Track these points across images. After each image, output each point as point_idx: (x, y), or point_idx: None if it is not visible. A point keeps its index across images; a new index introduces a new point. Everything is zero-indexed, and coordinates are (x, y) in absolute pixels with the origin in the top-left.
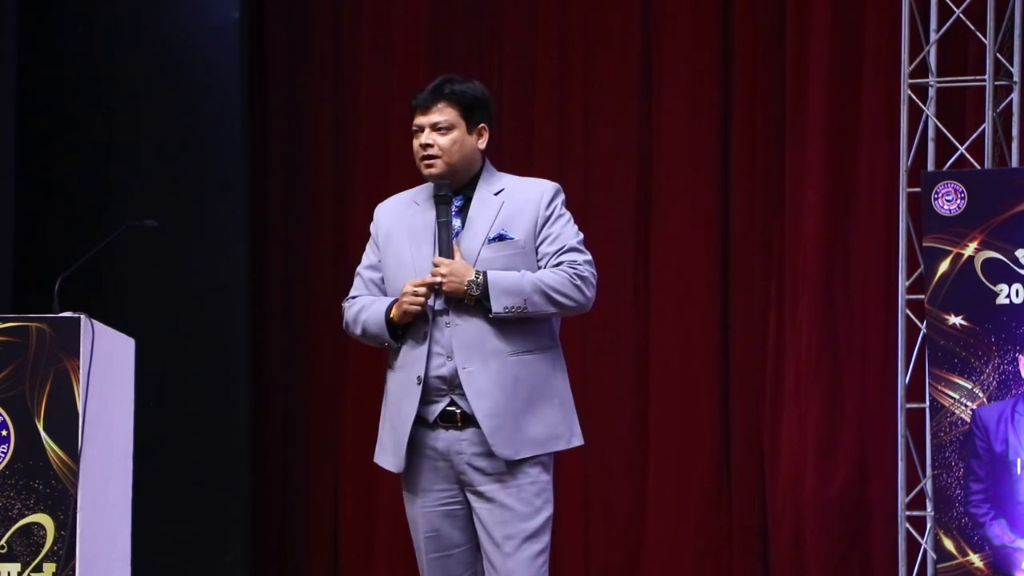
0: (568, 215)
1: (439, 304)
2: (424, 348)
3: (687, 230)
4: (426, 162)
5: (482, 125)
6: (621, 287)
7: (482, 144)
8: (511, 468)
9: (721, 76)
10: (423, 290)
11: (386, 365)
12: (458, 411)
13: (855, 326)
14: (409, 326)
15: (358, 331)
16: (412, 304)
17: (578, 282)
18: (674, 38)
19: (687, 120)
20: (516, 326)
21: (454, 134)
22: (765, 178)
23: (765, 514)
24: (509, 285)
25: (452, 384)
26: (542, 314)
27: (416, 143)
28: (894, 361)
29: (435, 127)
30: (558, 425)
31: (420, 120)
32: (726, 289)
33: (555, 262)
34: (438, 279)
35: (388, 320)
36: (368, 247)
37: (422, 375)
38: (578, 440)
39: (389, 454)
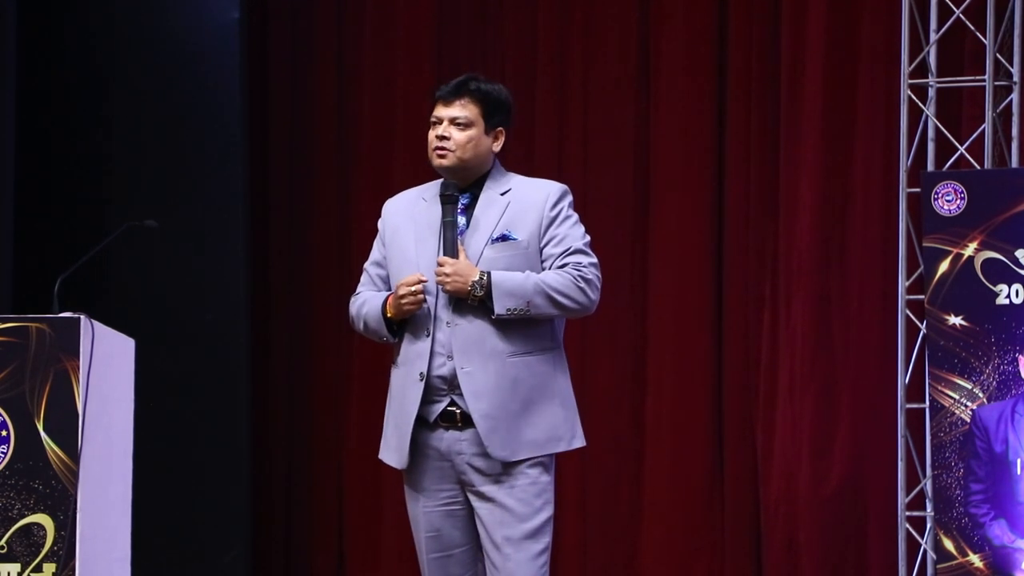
0: (575, 217)
1: (442, 303)
2: (427, 346)
3: (683, 229)
4: (438, 152)
5: (500, 128)
6: (618, 285)
7: (496, 147)
8: (511, 469)
9: (717, 76)
10: (419, 287)
11: (390, 362)
12: (458, 411)
13: (850, 326)
14: (409, 322)
15: (360, 326)
16: (410, 304)
17: (582, 284)
18: (671, 38)
19: (683, 120)
20: (517, 327)
21: (471, 131)
22: (760, 177)
23: (758, 514)
24: (513, 287)
25: (452, 384)
26: (545, 316)
27: (432, 134)
28: (888, 361)
29: (454, 121)
30: (558, 427)
31: (440, 112)
32: (720, 288)
33: (560, 263)
34: (439, 278)
35: (385, 316)
36: (375, 242)
37: (425, 372)
38: (579, 441)
39: (393, 450)
